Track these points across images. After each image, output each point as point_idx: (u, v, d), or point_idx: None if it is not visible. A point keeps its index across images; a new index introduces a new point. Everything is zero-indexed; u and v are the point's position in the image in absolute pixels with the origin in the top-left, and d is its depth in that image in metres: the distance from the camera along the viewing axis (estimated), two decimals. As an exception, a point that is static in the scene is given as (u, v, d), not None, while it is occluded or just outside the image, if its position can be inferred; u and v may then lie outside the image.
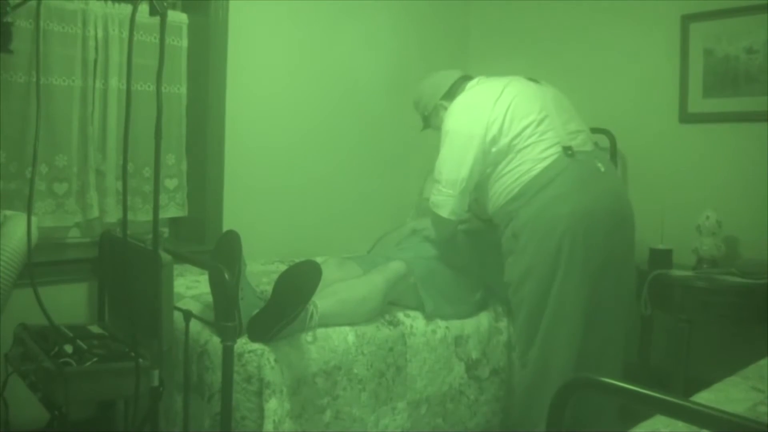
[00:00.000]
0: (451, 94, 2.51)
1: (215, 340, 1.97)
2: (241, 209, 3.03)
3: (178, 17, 2.93)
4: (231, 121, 3.00)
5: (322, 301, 2.13)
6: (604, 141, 3.02)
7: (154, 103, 1.58)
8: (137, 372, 1.68)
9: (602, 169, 2.31)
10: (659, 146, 3.08)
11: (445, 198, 2.33)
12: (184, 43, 2.95)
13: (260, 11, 3.06)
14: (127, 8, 2.68)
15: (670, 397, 0.97)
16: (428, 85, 2.61)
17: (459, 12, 3.82)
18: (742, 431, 0.89)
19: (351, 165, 3.41)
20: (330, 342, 2.11)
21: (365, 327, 2.22)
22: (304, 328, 2.06)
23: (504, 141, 2.27)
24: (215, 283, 1.94)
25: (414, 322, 2.36)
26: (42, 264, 2.27)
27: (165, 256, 1.89)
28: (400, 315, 2.36)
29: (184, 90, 2.97)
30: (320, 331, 2.11)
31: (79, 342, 1.98)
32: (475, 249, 2.65)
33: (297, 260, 2.09)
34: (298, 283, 1.96)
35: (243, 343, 1.95)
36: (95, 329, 2.22)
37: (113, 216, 2.75)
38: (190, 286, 2.44)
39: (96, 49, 2.67)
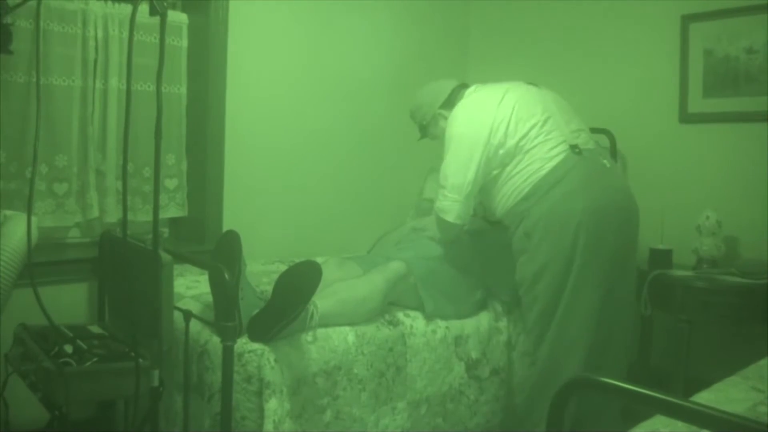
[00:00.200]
0: (450, 102, 2.54)
1: (215, 340, 1.97)
2: (241, 209, 3.03)
3: (178, 17, 2.93)
4: (231, 121, 3.00)
5: (322, 301, 2.13)
6: (604, 141, 3.02)
7: (154, 103, 1.58)
8: (137, 372, 1.68)
9: (608, 166, 2.37)
10: (659, 146, 3.08)
11: (451, 203, 2.35)
12: (184, 43, 2.96)
13: (260, 11, 3.06)
14: (127, 8, 2.68)
15: (670, 397, 0.97)
16: (426, 95, 2.63)
17: (459, 12, 3.82)
18: (742, 431, 0.89)
19: (351, 165, 3.41)
20: (330, 342, 2.11)
21: (365, 327, 2.22)
22: (304, 328, 2.06)
23: (511, 143, 2.31)
24: (215, 283, 1.94)
25: (414, 322, 2.36)
26: (42, 264, 2.27)
27: (165, 256, 1.89)
28: (400, 315, 2.36)
29: (184, 90, 2.97)
30: (320, 331, 2.11)
31: (79, 342, 1.98)
32: (477, 249, 2.65)
33: (297, 260, 2.09)
34: (299, 283, 1.96)
35: (243, 343, 1.95)
36: (95, 329, 2.22)
37: (113, 216, 2.75)
38: (190, 286, 2.44)
39: (96, 49, 2.67)
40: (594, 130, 2.65)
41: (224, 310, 1.85)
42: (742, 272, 2.57)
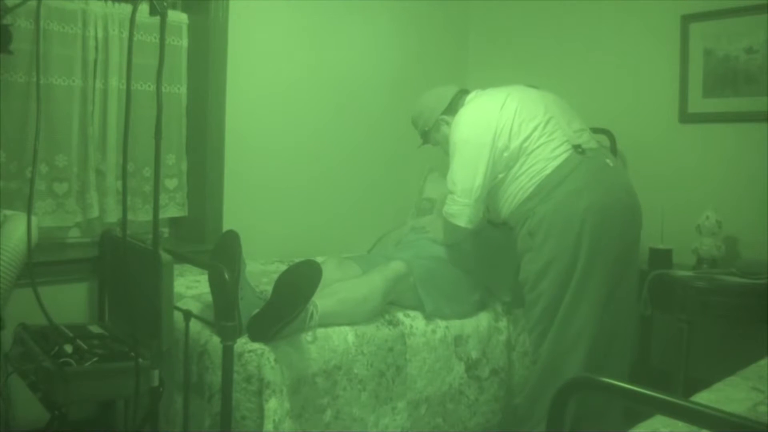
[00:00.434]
0: (452, 108, 2.55)
1: (215, 340, 1.97)
2: (241, 209, 3.03)
3: (178, 17, 2.93)
4: (231, 121, 3.00)
5: (322, 301, 2.13)
6: (604, 141, 3.02)
7: (154, 103, 1.58)
8: (137, 372, 1.68)
9: (611, 165, 2.39)
10: (659, 146, 3.08)
11: (461, 207, 2.36)
12: (184, 43, 2.96)
13: (260, 11, 3.06)
14: (127, 8, 2.68)
15: (670, 397, 0.97)
16: (427, 101, 2.64)
17: (459, 13, 3.82)
18: (742, 431, 0.89)
19: (351, 165, 3.41)
20: (330, 342, 2.11)
21: (365, 327, 2.22)
22: (304, 328, 2.06)
23: (515, 145, 2.32)
24: (215, 283, 1.94)
25: (414, 322, 2.36)
26: (42, 264, 2.27)
27: (165, 256, 1.89)
28: (400, 315, 2.36)
29: (184, 90, 2.97)
30: (320, 331, 2.11)
31: (79, 342, 1.98)
32: (477, 249, 2.65)
33: (297, 260, 2.09)
34: (299, 283, 1.96)
35: (243, 343, 1.95)
36: (95, 329, 2.22)
37: (113, 216, 2.75)
38: (190, 286, 2.44)
39: (96, 49, 2.67)
40: (594, 130, 2.66)
41: (224, 310, 1.85)
42: (742, 272, 2.57)
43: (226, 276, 1.84)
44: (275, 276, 2.05)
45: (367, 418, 2.17)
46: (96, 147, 2.72)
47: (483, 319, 2.54)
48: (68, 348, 1.93)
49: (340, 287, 2.26)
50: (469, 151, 2.35)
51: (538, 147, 2.32)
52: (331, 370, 2.09)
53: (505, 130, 2.33)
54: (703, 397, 1.59)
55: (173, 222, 3.07)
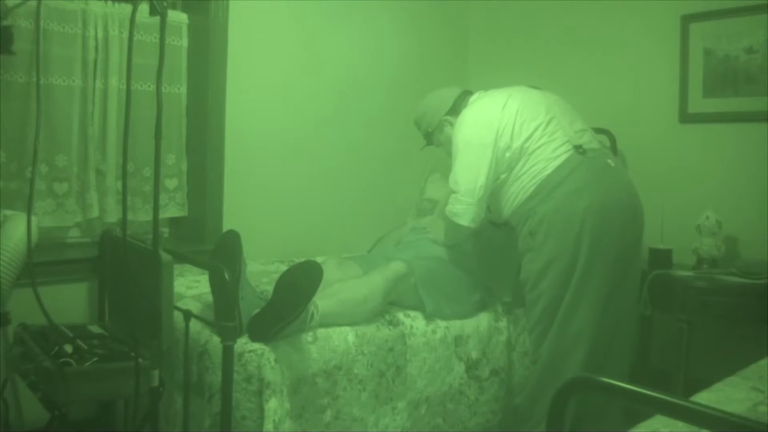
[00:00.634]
0: (455, 109, 2.56)
1: (215, 340, 1.97)
2: (241, 209, 3.03)
3: (178, 17, 2.93)
4: (231, 121, 3.00)
5: (323, 301, 2.13)
6: (604, 141, 3.02)
7: (154, 103, 1.58)
8: (137, 372, 1.69)
9: (612, 165, 2.39)
10: (659, 146, 3.08)
11: (465, 207, 2.35)
12: (184, 43, 2.96)
13: (260, 11, 3.06)
14: (127, 8, 2.68)
15: (670, 397, 0.97)
16: (431, 102, 2.65)
17: (459, 13, 3.82)
18: (742, 431, 0.89)
19: (351, 165, 3.41)
20: (330, 342, 2.11)
21: (365, 327, 2.22)
22: (305, 328, 2.06)
23: (516, 145, 2.33)
24: (215, 283, 1.94)
25: (414, 322, 2.36)
26: (42, 264, 2.27)
27: (165, 256, 1.89)
28: (400, 315, 2.36)
29: (184, 90, 2.97)
30: (320, 331, 2.11)
31: (79, 342, 1.98)
32: (477, 249, 2.66)
33: (297, 260, 2.10)
34: (299, 284, 1.96)
35: (243, 343, 1.95)
36: (95, 329, 2.22)
37: (113, 216, 2.75)
38: (190, 286, 2.44)
39: (96, 49, 2.67)
40: (594, 130, 2.65)
41: (224, 310, 1.85)
42: (742, 272, 2.56)
43: (227, 276, 1.84)
44: (275, 276, 2.05)
45: (367, 418, 2.17)
46: (96, 147, 2.72)
47: (483, 319, 2.54)
48: (68, 348, 1.93)
49: (340, 287, 2.26)
50: (472, 151, 2.35)
51: (539, 147, 2.33)
52: (332, 371, 2.09)
53: (507, 130, 2.33)
54: (703, 397, 1.59)
55: (173, 222, 3.07)
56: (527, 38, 3.56)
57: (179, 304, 2.15)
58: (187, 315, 2.03)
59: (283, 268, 2.16)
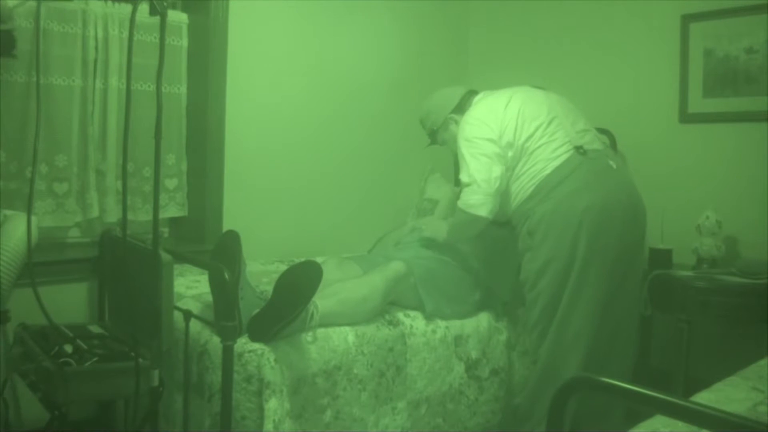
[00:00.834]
0: (461, 107, 2.56)
1: (215, 340, 1.97)
2: (241, 209, 3.03)
3: (178, 17, 2.93)
4: (231, 121, 3.00)
5: (323, 301, 2.13)
6: (604, 141, 3.02)
7: (154, 103, 1.58)
8: (137, 372, 1.69)
9: (614, 167, 2.38)
10: (659, 146, 3.08)
11: (484, 197, 2.31)
12: (184, 43, 2.96)
13: (260, 11, 3.06)
14: (127, 8, 2.68)
15: (670, 397, 0.97)
16: (437, 100, 2.65)
17: (459, 13, 3.82)
18: (742, 431, 0.89)
19: (351, 165, 3.41)
20: (330, 342, 2.11)
21: (365, 327, 2.22)
22: (305, 328, 2.06)
23: (518, 144, 2.34)
24: (215, 283, 1.94)
25: (414, 322, 2.36)
26: (42, 264, 2.27)
27: (165, 256, 1.89)
28: (400, 315, 2.36)
29: (184, 90, 2.97)
30: (320, 331, 2.11)
31: (79, 342, 1.98)
32: (477, 249, 2.66)
33: (297, 260, 2.10)
34: (299, 283, 1.96)
35: (243, 343, 1.95)
36: (95, 329, 2.22)
37: (113, 216, 2.75)
38: (190, 286, 2.44)
39: (96, 49, 2.67)
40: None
41: (224, 310, 1.85)
42: (742, 272, 2.57)
43: (227, 276, 1.84)
44: (275, 276, 2.05)
45: (367, 418, 2.17)
46: (96, 147, 2.72)
47: (483, 319, 2.54)
48: (68, 348, 1.93)
49: (340, 287, 2.26)
50: (480, 145, 2.34)
51: (539, 147, 2.33)
52: (331, 370, 2.09)
53: (509, 129, 2.34)
54: (703, 397, 1.59)
55: (173, 222, 3.07)
56: (527, 38, 3.56)
57: (179, 304, 2.15)
58: (187, 315, 2.03)
59: (283, 268, 2.16)
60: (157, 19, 1.60)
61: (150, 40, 2.80)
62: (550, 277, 2.29)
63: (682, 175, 3.00)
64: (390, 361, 2.24)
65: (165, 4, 1.60)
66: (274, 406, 1.90)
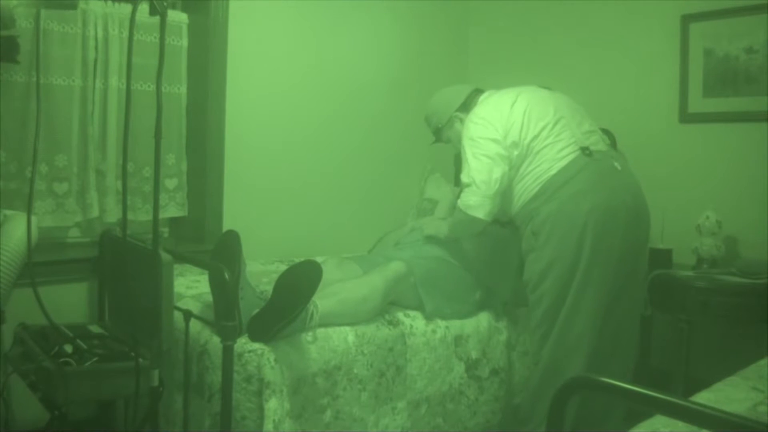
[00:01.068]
0: (466, 105, 2.56)
1: (215, 340, 1.97)
2: (241, 209, 3.03)
3: (178, 17, 2.93)
4: (231, 121, 3.00)
5: (323, 301, 2.13)
6: (606, 141, 3.02)
7: (154, 103, 1.58)
8: (137, 372, 1.68)
9: (619, 168, 2.38)
10: (659, 146, 3.08)
11: (482, 199, 2.31)
12: (184, 42, 2.96)
13: (260, 11, 3.06)
14: (127, 8, 2.67)
15: (670, 397, 0.97)
16: (442, 98, 2.65)
17: (459, 13, 3.82)
18: (742, 431, 0.89)
19: (351, 165, 3.41)
20: (330, 342, 2.11)
21: (365, 327, 2.22)
22: (305, 328, 2.06)
23: (523, 143, 2.33)
24: (215, 283, 1.94)
25: (414, 322, 2.36)
26: (42, 264, 2.27)
27: (165, 256, 1.89)
28: (400, 315, 2.36)
29: (184, 90, 2.97)
30: (320, 331, 2.11)
31: (79, 342, 1.98)
32: (477, 249, 2.65)
33: (297, 260, 2.10)
34: (299, 283, 1.96)
35: (243, 343, 1.95)
36: (95, 329, 2.22)
37: (113, 216, 2.75)
38: (190, 286, 2.44)
39: (96, 49, 2.67)
40: (595, 131, 2.66)
41: (224, 309, 1.85)
42: (742, 272, 2.57)
43: (227, 276, 1.84)
44: (275, 276, 2.05)
45: (367, 418, 2.17)
46: (96, 147, 2.72)
47: (483, 319, 2.54)
48: (68, 348, 1.93)
49: (340, 287, 2.26)
50: (484, 145, 2.33)
51: (544, 147, 2.32)
52: (331, 370, 2.09)
53: (514, 128, 2.33)
54: (703, 397, 1.59)
55: (173, 222, 3.07)
56: (527, 38, 3.56)
57: (179, 304, 2.15)
58: (187, 315, 2.03)
59: (283, 268, 2.16)
60: (157, 19, 1.60)
61: (150, 40, 2.80)
62: (554, 278, 2.29)
63: (682, 175, 3.00)
64: (390, 361, 2.24)
65: (165, 4, 1.60)
66: (274, 406, 1.90)
